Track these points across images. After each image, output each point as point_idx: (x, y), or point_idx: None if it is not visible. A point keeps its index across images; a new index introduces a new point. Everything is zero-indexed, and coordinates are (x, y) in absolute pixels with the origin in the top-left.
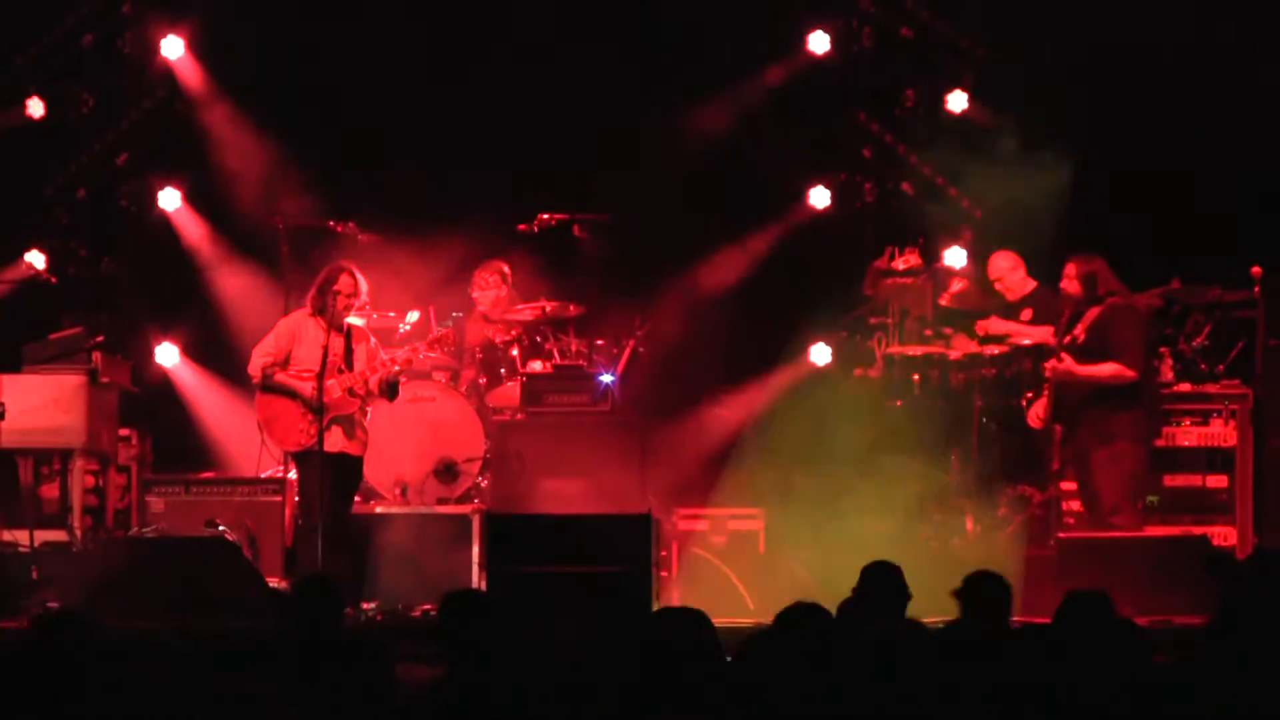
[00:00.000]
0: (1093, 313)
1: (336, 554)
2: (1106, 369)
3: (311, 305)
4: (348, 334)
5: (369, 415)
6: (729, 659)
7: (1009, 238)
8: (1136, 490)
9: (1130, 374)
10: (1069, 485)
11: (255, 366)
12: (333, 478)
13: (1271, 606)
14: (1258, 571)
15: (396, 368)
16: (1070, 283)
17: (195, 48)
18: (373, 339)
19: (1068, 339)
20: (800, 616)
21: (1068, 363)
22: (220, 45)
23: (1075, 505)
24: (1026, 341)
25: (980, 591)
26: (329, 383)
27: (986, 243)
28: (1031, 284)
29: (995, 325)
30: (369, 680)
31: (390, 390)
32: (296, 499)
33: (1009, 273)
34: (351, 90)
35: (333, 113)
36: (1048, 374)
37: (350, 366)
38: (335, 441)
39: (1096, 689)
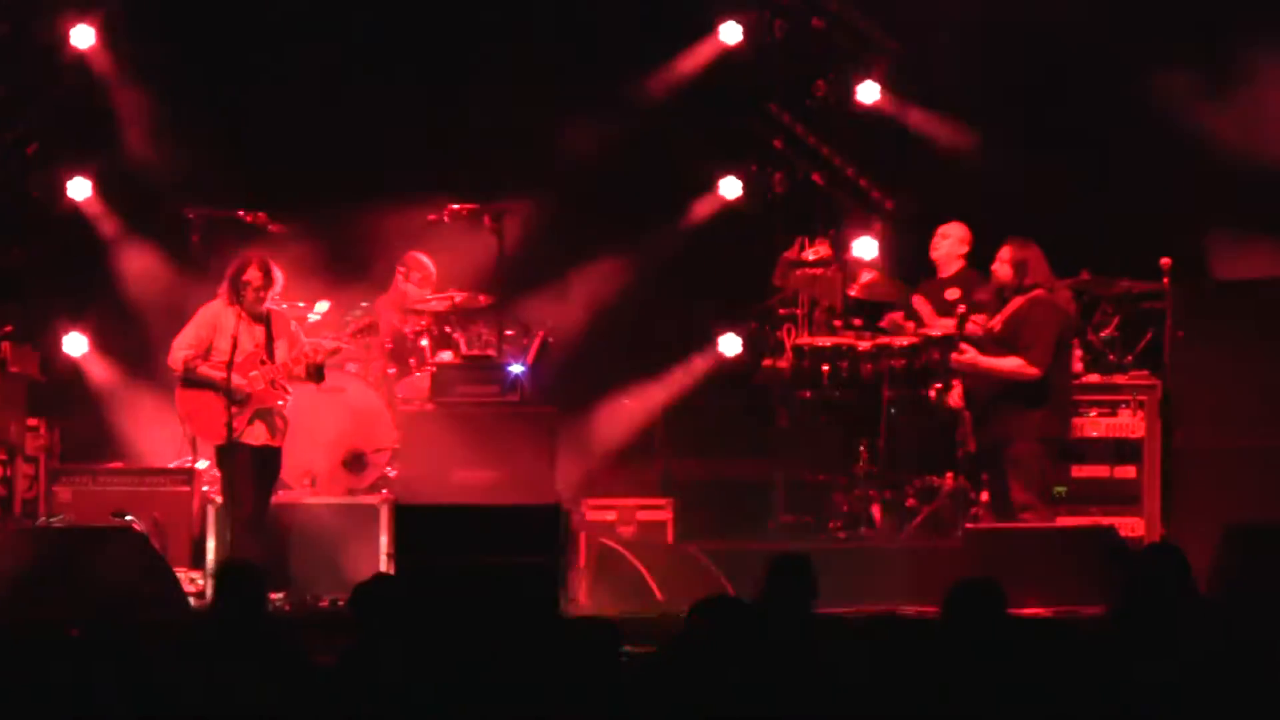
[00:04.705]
0: (1015, 302)
1: (258, 545)
2: (1009, 364)
3: (226, 296)
4: (268, 324)
5: (287, 405)
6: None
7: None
8: (1045, 487)
9: (1032, 371)
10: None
11: (176, 359)
12: (257, 471)
13: (1168, 596)
14: (1155, 562)
15: (320, 357)
16: (1002, 266)
17: (106, 37)
18: (295, 327)
19: (985, 328)
20: (716, 609)
21: (970, 354)
22: (131, 34)
23: (985, 495)
24: (936, 333)
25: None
26: (252, 374)
27: (898, 233)
28: (960, 263)
29: (917, 303)
30: (289, 663)
31: (316, 373)
32: (205, 488)
33: (957, 241)
34: (262, 81)
35: (244, 103)
36: (952, 364)
37: (272, 357)
38: (259, 435)
39: (983, 678)
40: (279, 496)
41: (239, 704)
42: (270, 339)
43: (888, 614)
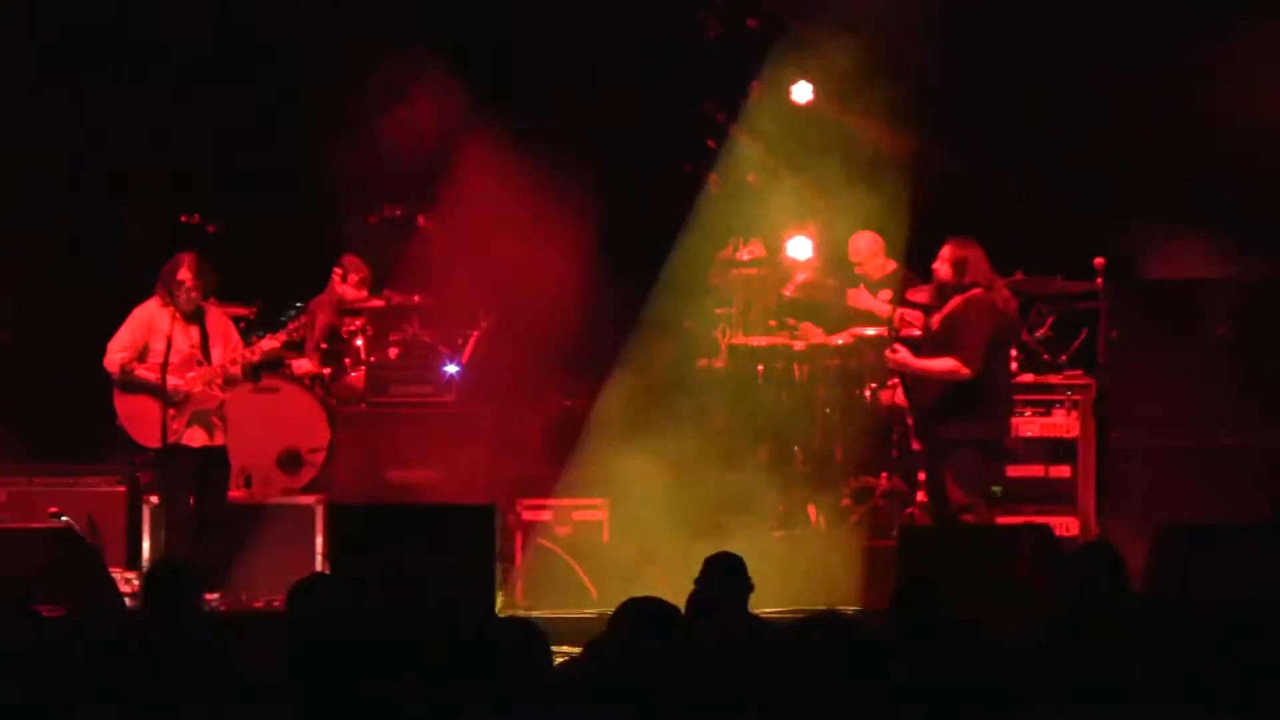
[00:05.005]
0: (954, 302)
1: (205, 546)
2: (942, 364)
3: (160, 297)
4: (203, 324)
5: (223, 406)
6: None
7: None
8: (985, 488)
9: (965, 371)
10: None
11: (113, 362)
12: (202, 473)
13: (1101, 595)
14: (1089, 561)
15: (258, 357)
16: (942, 265)
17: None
18: (231, 327)
19: (921, 329)
20: (639, 614)
21: (903, 355)
22: (64, 23)
23: (921, 495)
24: (870, 332)
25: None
26: (189, 375)
27: (835, 232)
28: (891, 265)
29: (858, 299)
30: (221, 665)
31: (254, 373)
32: (141, 489)
33: (868, 256)
34: (198, 80)
35: (181, 101)
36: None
37: (208, 358)
38: (198, 436)
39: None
40: None
41: (168, 705)
42: (206, 339)
43: (828, 612)
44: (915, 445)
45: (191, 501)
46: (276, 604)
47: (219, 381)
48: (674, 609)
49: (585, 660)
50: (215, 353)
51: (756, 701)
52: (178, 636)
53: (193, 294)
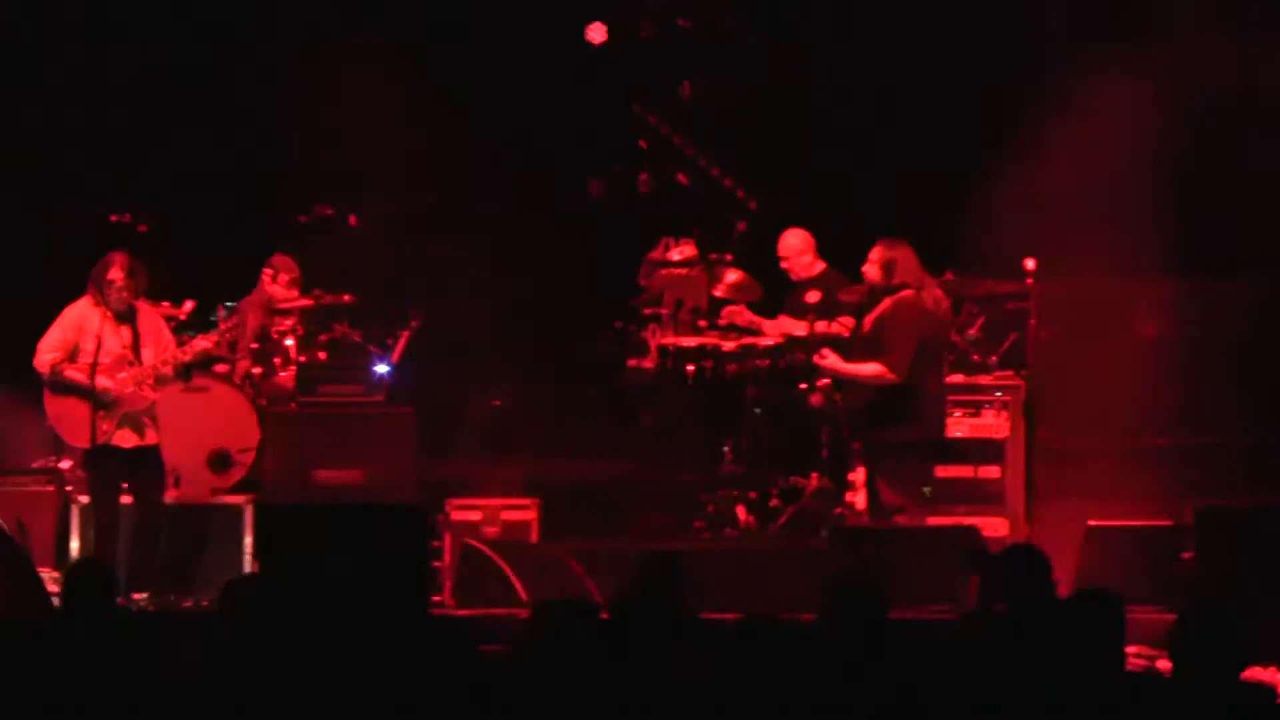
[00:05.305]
0: (883, 304)
1: (133, 546)
2: (868, 369)
3: (91, 297)
4: (134, 324)
5: (154, 405)
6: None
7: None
8: (917, 489)
9: (891, 377)
10: (854, 476)
11: (43, 362)
12: (134, 473)
13: (1024, 597)
14: (1013, 563)
15: (190, 356)
16: (871, 267)
17: None
18: (164, 326)
19: (850, 329)
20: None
21: (830, 359)
22: None
23: (850, 495)
24: (800, 333)
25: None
26: (120, 376)
27: (763, 232)
28: (820, 265)
29: (738, 316)
30: (145, 663)
31: (185, 373)
32: (69, 488)
33: (796, 254)
34: (127, 78)
35: (110, 101)
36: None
37: (139, 358)
38: (128, 438)
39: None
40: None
41: (87, 704)
42: (138, 340)
43: (765, 615)
44: (855, 445)
45: (124, 502)
46: (205, 604)
47: (150, 382)
48: (595, 608)
49: (512, 661)
50: (147, 353)
51: (688, 702)
52: (98, 635)
53: (124, 294)
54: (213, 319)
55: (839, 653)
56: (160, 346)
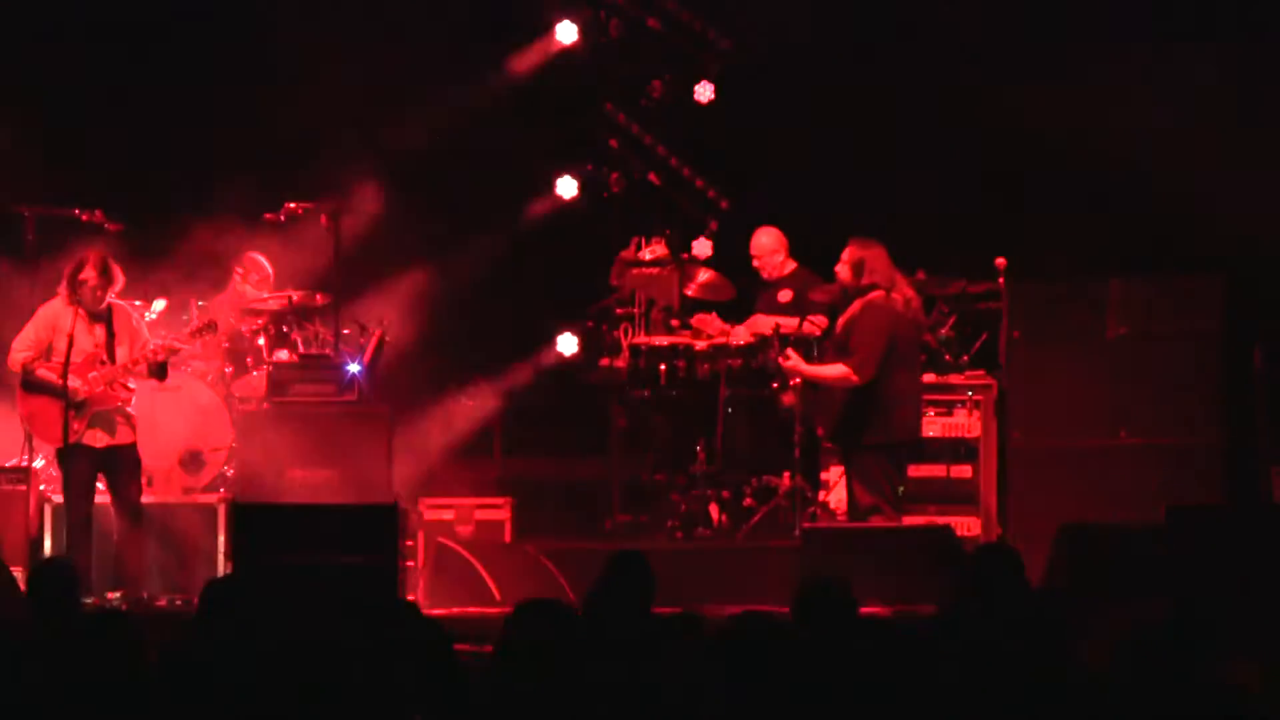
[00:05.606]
0: (853, 306)
1: (90, 544)
2: (833, 371)
3: (65, 296)
4: (109, 323)
5: (129, 403)
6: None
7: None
8: (891, 489)
9: (855, 379)
10: (826, 475)
11: (15, 361)
12: (108, 472)
13: (997, 595)
14: (986, 562)
15: (163, 355)
16: (842, 267)
17: None
18: (140, 326)
19: (822, 328)
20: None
21: (794, 360)
22: None
23: (823, 495)
24: (741, 341)
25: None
26: (91, 375)
27: (732, 233)
28: (792, 265)
29: (708, 324)
30: (112, 661)
31: (159, 371)
32: (42, 487)
33: (769, 253)
34: (96, 77)
35: (78, 100)
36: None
37: (112, 357)
38: (99, 438)
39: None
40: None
41: (54, 702)
42: (111, 338)
43: (744, 613)
44: (827, 445)
45: (97, 501)
46: (179, 603)
47: (122, 381)
48: (570, 609)
49: (492, 661)
50: (120, 352)
51: (660, 700)
52: (64, 634)
53: (98, 292)
54: (184, 317)
55: (810, 649)
56: (134, 345)
